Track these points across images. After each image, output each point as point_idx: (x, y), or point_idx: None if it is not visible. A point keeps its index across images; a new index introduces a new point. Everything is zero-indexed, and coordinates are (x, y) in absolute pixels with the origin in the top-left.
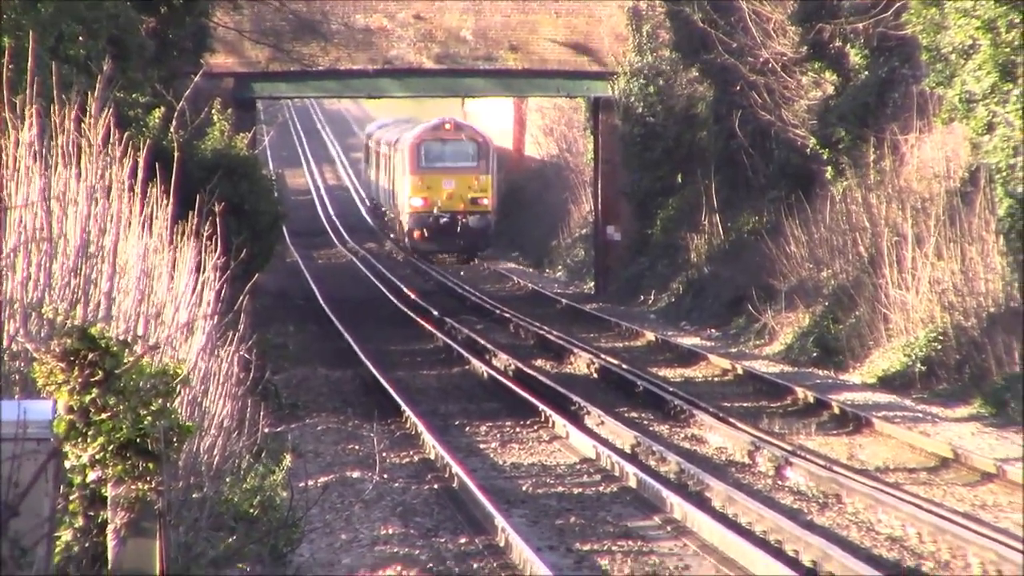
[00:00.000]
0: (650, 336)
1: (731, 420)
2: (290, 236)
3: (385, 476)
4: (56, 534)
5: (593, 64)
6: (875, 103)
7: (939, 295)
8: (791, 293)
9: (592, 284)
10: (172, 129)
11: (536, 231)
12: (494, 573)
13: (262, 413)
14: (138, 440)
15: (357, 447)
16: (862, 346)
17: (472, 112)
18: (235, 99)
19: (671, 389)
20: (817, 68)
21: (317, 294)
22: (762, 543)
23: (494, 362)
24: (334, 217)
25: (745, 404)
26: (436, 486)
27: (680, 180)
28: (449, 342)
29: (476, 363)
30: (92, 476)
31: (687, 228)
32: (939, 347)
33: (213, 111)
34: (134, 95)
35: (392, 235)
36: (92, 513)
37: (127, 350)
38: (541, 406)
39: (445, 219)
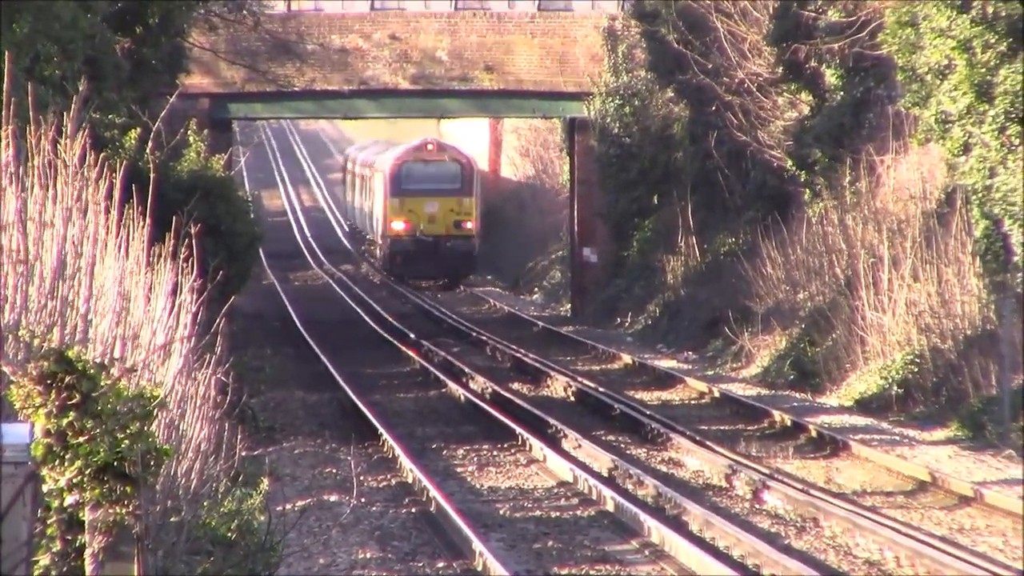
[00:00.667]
0: (627, 359)
1: (708, 443)
2: (266, 258)
3: (363, 500)
4: (34, 558)
5: (569, 84)
6: (851, 124)
7: (916, 317)
8: (768, 315)
9: (568, 306)
10: (148, 150)
11: (512, 253)
12: None
13: (239, 436)
14: (115, 463)
15: (334, 470)
16: (839, 369)
17: (447, 133)
18: (211, 120)
19: (648, 412)
20: (793, 89)
21: (294, 316)
22: (740, 567)
23: (471, 385)
24: (310, 239)
25: (722, 427)
26: (414, 510)
27: (656, 201)
28: (426, 365)
29: (453, 386)
30: (70, 500)
31: (663, 250)
32: (916, 369)
33: (189, 132)
34: (110, 116)
35: (373, 260)
36: (70, 537)
37: (104, 373)
38: (518, 429)
39: (428, 243)
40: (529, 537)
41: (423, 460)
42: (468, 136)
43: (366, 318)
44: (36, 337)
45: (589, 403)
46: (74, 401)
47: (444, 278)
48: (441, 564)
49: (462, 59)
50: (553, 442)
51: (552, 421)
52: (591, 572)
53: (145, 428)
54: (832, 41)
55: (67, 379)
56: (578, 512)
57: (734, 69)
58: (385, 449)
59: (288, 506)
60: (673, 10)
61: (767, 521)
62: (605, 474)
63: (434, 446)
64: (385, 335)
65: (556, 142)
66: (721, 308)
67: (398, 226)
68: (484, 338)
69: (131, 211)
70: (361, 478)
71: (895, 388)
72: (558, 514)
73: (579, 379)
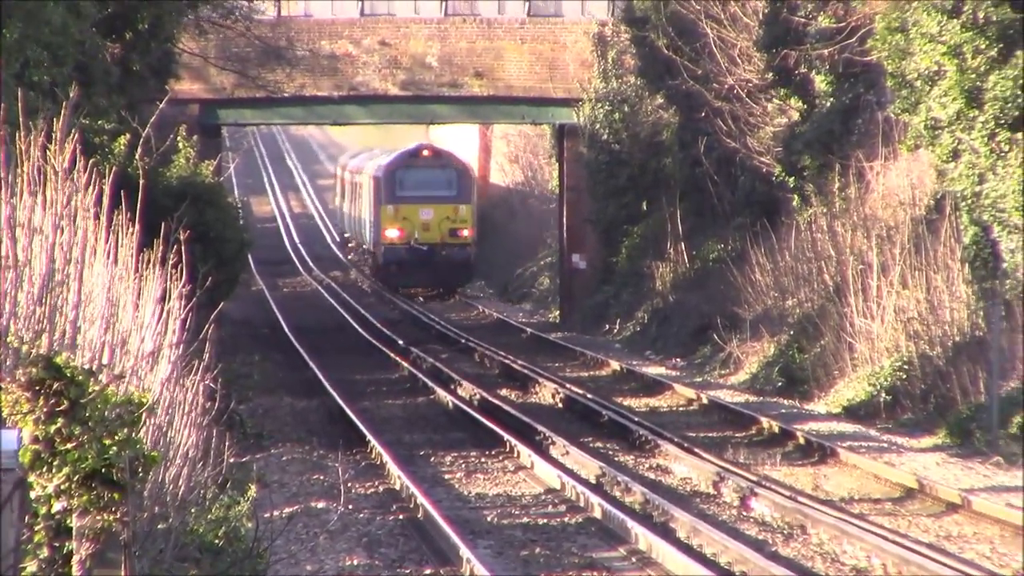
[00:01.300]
0: (615, 365)
1: (696, 450)
2: (255, 264)
3: (350, 506)
4: (22, 565)
5: (558, 90)
6: (840, 130)
7: (904, 324)
8: (756, 322)
9: (557, 313)
10: (137, 156)
11: (501, 259)
12: None
13: (227, 443)
14: (103, 470)
15: (322, 477)
16: (827, 375)
17: (437, 139)
18: (200, 126)
19: (636, 419)
20: (782, 95)
21: (283, 323)
22: (727, 574)
23: (459, 391)
24: (300, 245)
25: (710, 434)
26: (401, 516)
27: (645, 208)
28: (414, 371)
29: (441, 393)
30: (57, 506)
31: (652, 256)
32: (904, 376)
33: (178, 138)
34: (100, 122)
35: (366, 269)
36: (57, 544)
37: (92, 379)
38: (506, 436)
39: (422, 252)
40: (517, 544)
41: (411, 467)
42: (457, 142)
43: (355, 324)
44: (24, 343)
45: (577, 410)
46: (62, 407)
47: (439, 288)
48: (428, 571)
49: (452, 65)
50: (541, 449)
51: (540, 428)
52: None
53: (133, 434)
54: (822, 47)
55: (55, 385)
56: (566, 519)
57: (724, 75)
58: (373, 456)
59: (276, 513)
60: (663, 16)
61: (755, 528)
62: (593, 481)
63: (422, 453)
64: (374, 341)
65: (545, 148)
66: (710, 315)
67: (392, 234)
68: (473, 344)
69: (120, 217)
70: (349, 485)
71: (883, 395)
72: (546, 521)
73: (567, 386)
